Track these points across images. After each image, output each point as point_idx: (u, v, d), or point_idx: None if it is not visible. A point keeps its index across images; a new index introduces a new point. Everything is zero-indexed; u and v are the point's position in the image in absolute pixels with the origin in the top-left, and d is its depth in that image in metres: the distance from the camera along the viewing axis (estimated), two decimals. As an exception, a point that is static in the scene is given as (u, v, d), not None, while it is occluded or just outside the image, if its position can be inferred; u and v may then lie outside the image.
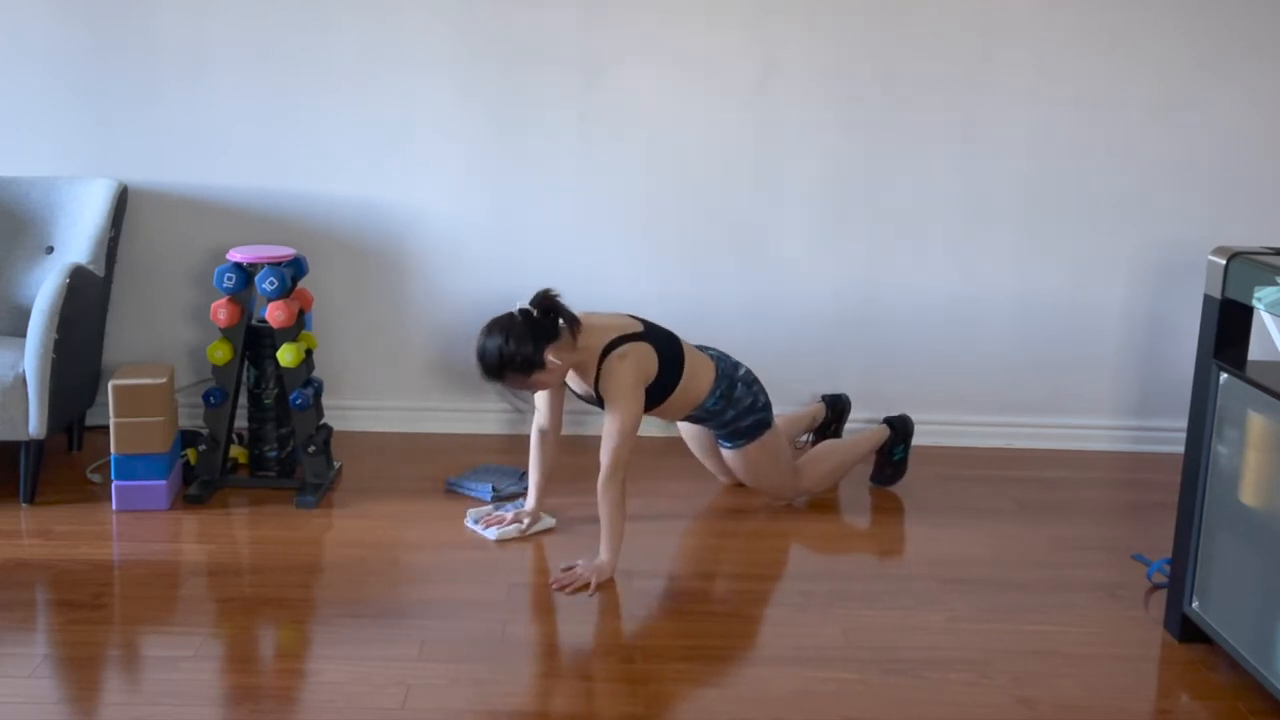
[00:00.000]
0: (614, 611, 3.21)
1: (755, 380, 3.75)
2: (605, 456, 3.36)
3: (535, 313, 3.36)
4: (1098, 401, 4.51)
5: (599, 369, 3.43)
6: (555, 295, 3.39)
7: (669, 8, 4.23)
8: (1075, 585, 3.43)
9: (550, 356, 3.33)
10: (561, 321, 3.37)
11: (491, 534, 3.61)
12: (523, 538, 3.63)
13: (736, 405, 3.69)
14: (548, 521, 3.69)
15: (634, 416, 3.41)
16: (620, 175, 4.34)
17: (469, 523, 3.69)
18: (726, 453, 3.83)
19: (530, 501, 3.69)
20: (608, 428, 3.39)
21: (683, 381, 3.58)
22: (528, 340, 3.31)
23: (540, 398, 3.63)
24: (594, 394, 3.50)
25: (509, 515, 3.67)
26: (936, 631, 3.14)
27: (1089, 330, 4.45)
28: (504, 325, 3.34)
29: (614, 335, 3.46)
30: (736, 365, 3.73)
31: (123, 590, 3.25)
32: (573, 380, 3.56)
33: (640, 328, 3.54)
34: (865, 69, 4.27)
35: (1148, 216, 4.37)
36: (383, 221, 4.37)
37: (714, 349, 3.78)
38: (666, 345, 3.55)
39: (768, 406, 3.76)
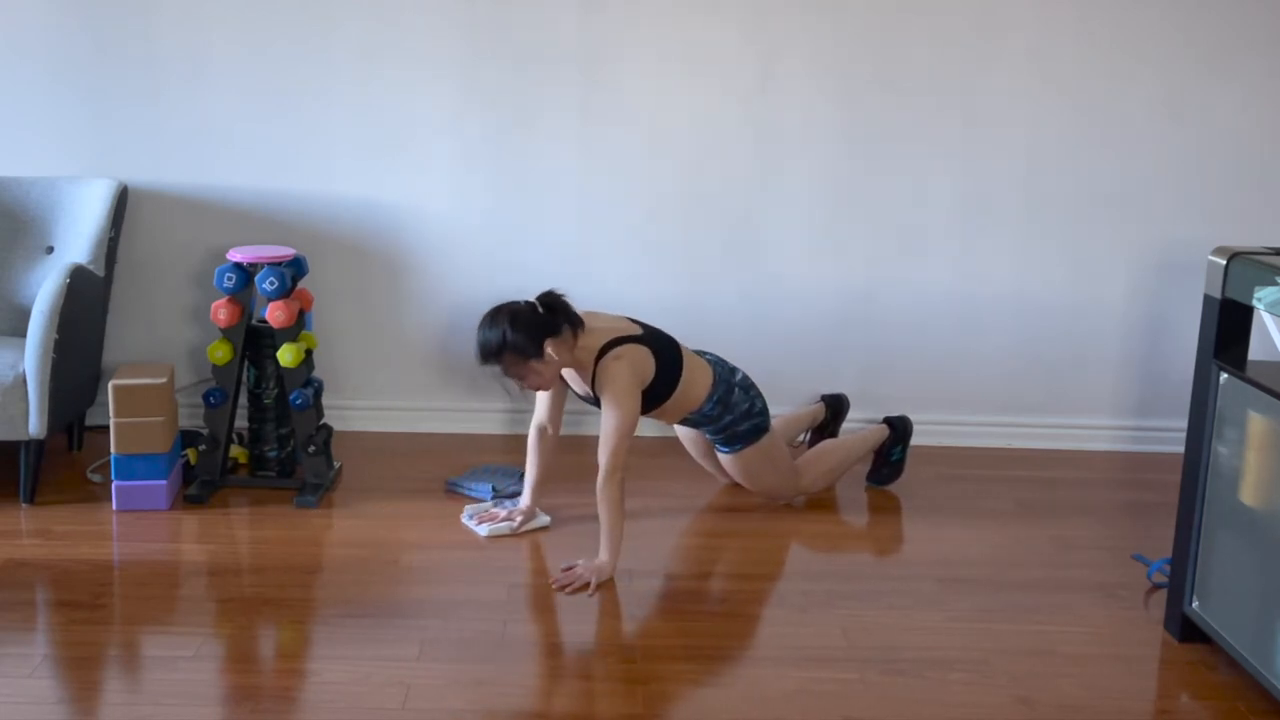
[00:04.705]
0: (614, 611, 3.21)
1: (752, 385, 3.77)
2: (603, 457, 3.38)
3: (540, 307, 3.43)
4: (1098, 401, 4.51)
5: (595, 370, 3.46)
6: (561, 295, 3.46)
7: (669, 7, 4.22)
8: (1075, 585, 3.43)
9: (549, 350, 3.39)
10: (563, 321, 3.42)
11: (483, 530, 3.62)
12: (517, 535, 3.63)
13: (733, 410, 3.70)
14: (542, 520, 3.70)
15: (630, 417, 3.43)
16: (620, 174, 4.34)
17: (464, 518, 3.71)
18: (723, 456, 3.84)
19: (525, 499, 3.70)
20: (605, 428, 3.41)
21: (680, 385, 3.60)
22: (530, 327, 3.38)
23: (541, 396, 3.65)
24: (591, 394, 3.53)
25: (503, 513, 3.68)
26: (936, 631, 3.14)
27: (1089, 330, 4.45)
28: (510, 309, 3.42)
29: (611, 337, 3.49)
30: (733, 370, 3.75)
31: (123, 590, 3.25)
32: (572, 379, 3.59)
33: (639, 331, 3.57)
34: (865, 68, 4.27)
35: (1148, 216, 4.37)
36: (383, 221, 4.37)
37: (711, 354, 3.80)
38: (664, 349, 3.58)
39: (764, 412, 3.77)
